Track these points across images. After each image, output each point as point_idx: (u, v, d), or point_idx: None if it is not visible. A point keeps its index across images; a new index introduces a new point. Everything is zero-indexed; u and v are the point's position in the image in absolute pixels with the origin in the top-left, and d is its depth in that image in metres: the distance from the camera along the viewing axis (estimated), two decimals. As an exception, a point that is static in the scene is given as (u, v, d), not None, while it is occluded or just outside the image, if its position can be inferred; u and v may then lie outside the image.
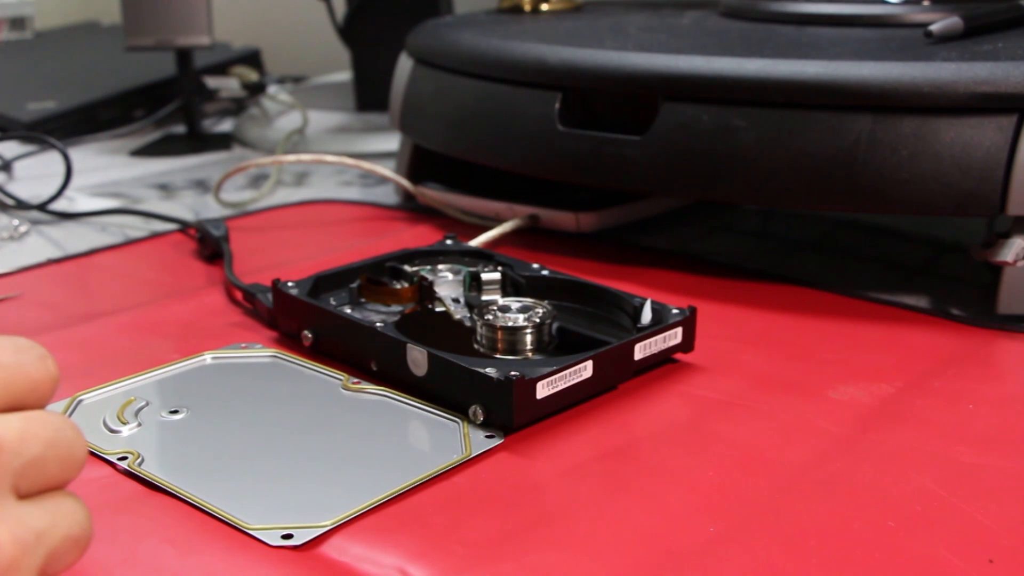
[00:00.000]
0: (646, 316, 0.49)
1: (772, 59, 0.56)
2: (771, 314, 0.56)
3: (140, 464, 0.41)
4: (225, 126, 1.09)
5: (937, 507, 0.38)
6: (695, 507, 0.38)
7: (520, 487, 0.40)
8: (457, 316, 0.52)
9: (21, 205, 0.77)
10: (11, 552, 0.27)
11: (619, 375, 0.47)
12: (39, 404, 0.29)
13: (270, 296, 0.53)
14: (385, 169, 0.75)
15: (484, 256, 0.57)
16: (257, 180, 0.87)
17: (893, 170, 0.54)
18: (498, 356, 0.48)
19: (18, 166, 0.91)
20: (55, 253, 0.68)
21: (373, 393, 0.47)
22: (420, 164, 0.76)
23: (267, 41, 1.34)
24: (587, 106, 0.64)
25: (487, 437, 0.43)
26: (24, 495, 0.28)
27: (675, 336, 0.49)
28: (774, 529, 0.37)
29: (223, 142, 1.00)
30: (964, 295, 0.59)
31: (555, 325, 0.50)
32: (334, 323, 0.50)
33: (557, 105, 0.63)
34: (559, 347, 0.49)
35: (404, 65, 0.77)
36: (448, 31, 0.74)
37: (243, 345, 0.52)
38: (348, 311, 0.51)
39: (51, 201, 0.76)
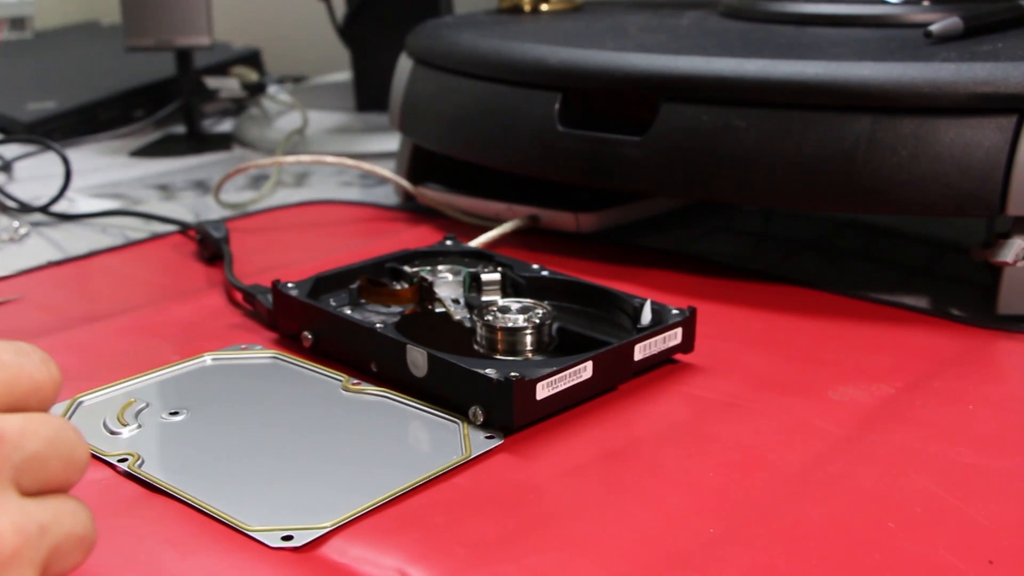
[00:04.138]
0: (646, 317, 0.49)
1: (772, 59, 0.56)
2: (771, 314, 0.56)
3: (140, 466, 0.41)
4: (225, 126, 1.09)
5: (937, 508, 0.38)
6: (695, 508, 0.38)
7: (520, 488, 0.40)
8: (457, 317, 0.52)
9: (22, 207, 0.77)
10: (13, 541, 0.27)
11: (619, 376, 0.47)
12: (41, 407, 0.29)
13: (270, 297, 0.53)
14: (385, 170, 0.75)
15: (484, 257, 0.57)
16: (257, 181, 0.87)
17: (893, 171, 0.54)
18: (498, 357, 0.48)
19: (18, 166, 0.91)
20: (55, 255, 0.68)
21: (373, 394, 0.47)
22: (420, 164, 0.76)
23: (267, 41, 1.34)
24: (587, 106, 0.64)
25: (487, 438, 0.43)
26: (26, 492, 0.28)
27: (675, 336, 0.49)
28: (774, 530, 0.37)
29: (223, 142, 1.00)
30: (964, 295, 0.59)
31: (555, 326, 0.50)
32: (334, 324, 0.50)
33: (557, 105, 0.63)
34: (559, 348, 0.49)
35: (404, 65, 0.77)
36: (448, 31, 0.74)
37: (243, 346, 0.52)
38: (348, 312, 0.51)
39: (52, 203, 0.76)
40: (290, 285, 0.52)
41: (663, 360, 0.49)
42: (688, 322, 0.49)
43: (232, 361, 0.51)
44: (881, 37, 0.63)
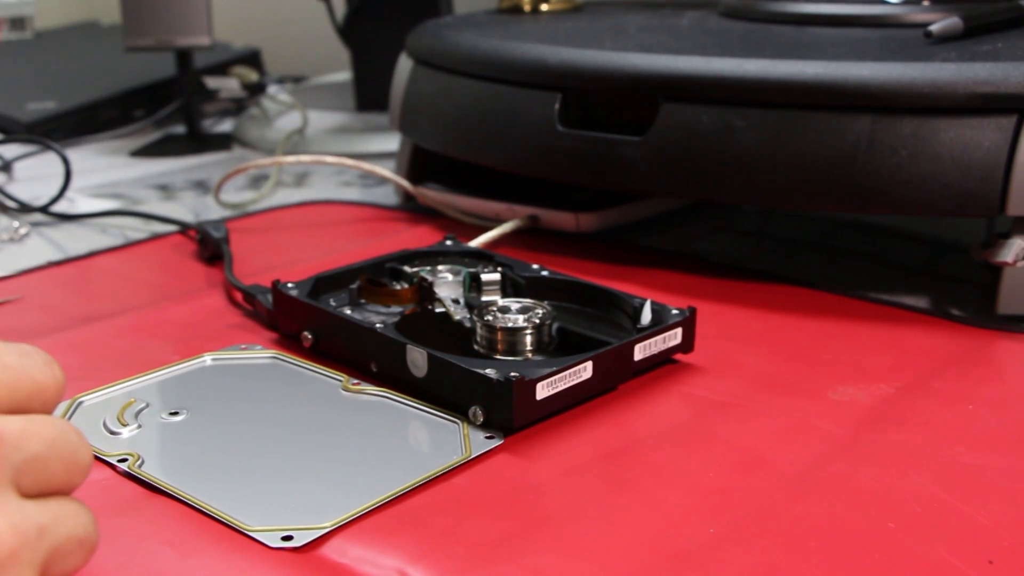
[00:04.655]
0: (646, 317, 0.49)
1: (772, 59, 0.56)
2: (771, 314, 0.56)
3: (140, 466, 0.41)
4: (225, 126, 1.09)
5: (937, 507, 0.38)
6: (695, 508, 0.38)
7: (520, 488, 0.40)
8: (457, 317, 0.52)
9: (22, 207, 0.77)
10: (11, 543, 0.27)
11: (619, 376, 0.47)
12: (44, 409, 0.29)
13: (270, 297, 0.53)
14: (385, 170, 0.75)
15: (484, 257, 0.57)
16: (257, 181, 0.87)
17: (893, 171, 0.54)
18: (498, 357, 0.48)
19: (18, 166, 0.91)
20: (55, 255, 0.68)
21: (373, 394, 0.47)
22: (420, 165, 0.76)
23: (267, 41, 1.34)
24: (587, 106, 0.64)
25: (487, 438, 0.43)
26: (26, 494, 0.28)
27: (675, 336, 0.49)
28: (774, 530, 0.37)
29: (223, 142, 1.00)
30: (964, 295, 0.59)
31: (555, 326, 0.50)
32: (334, 324, 0.50)
33: (557, 105, 0.63)
34: (559, 348, 0.49)
35: (404, 65, 0.77)
36: (448, 31, 0.74)
37: (243, 346, 0.52)
38: (348, 312, 0.51)
39: (52, 203, 0.76)
40: (290, 285, 0.52)
41: (663, 360, 0.49)
42: (688, 322, 0.49)
43: (232, 361, 0.51)
44: (881, 37, 0.63)
